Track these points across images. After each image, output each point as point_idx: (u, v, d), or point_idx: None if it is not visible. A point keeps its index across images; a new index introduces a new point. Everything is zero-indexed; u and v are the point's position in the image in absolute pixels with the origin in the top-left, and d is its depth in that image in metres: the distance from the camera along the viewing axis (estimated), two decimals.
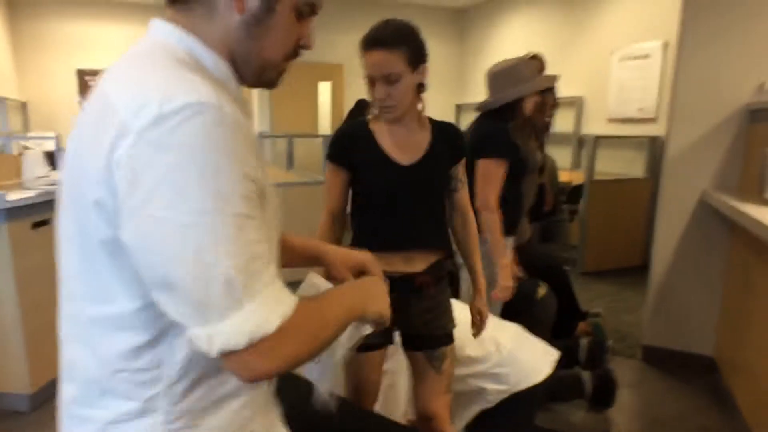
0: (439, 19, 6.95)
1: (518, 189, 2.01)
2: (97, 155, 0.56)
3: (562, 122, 5.40)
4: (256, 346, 0.58)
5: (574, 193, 4.46)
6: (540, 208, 3.42)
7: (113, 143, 0.55)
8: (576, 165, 5.19)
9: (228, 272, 0.56)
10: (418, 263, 1.36)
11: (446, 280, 1.44)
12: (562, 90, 5.39)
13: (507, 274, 1.84)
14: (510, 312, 2.33)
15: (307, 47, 0.75)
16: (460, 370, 1.64)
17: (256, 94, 5.96)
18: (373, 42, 1.22)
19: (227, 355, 0.58)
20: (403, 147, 1.32)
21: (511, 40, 6.16)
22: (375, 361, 1.41)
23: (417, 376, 1.44)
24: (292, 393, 1.15)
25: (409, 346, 1.43)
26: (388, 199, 1.34)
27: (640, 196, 4.35)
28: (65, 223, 0.66)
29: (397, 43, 1.19)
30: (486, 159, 1.85)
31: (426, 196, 1.36)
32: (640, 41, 4.53)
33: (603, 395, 2.20)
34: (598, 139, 4.16)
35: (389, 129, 1.32)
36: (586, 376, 2.17)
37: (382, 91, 1.23)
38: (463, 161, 1.42)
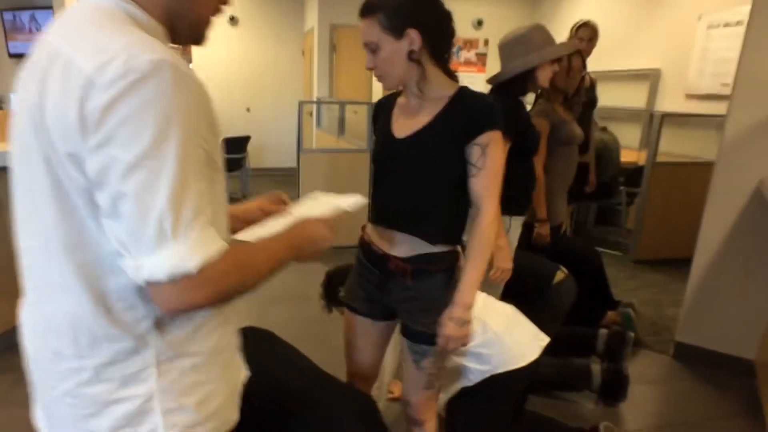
0: None
1: (526, 167, 1.91)
2: (66, 111, 0.62)
3: (633, 97, 4.99)
4: (176, 282, 0.65)
5: (635, 175, 4.15)
6: (581, 189, 3.24)
7: (82, 98, 0.61)
8: (646, 145, 4.79)
9: (162, 212, 0.62)
10: (402, 248, 1.27)
11: (441, 277, 1.27)
12: (636, 61, 4.99)
13: (505, 256, 1.78)
14: (521, 293, 2.27)
15: (227, 2, 0.81)
16: None
17: (316, 60, 6.04)
18: (359, 11, 1.19)
19: (151, 286, 0.66)
20: (406, 120, 1.25)
21: (586, 4, 5.70)
22: (358, 327, 1.43)
23: (403, 360, 1.42)
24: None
25: (401, 327, 1.38)
26: (378, 171, 1.32)
27: (708, 182, 3.95)
28: (29, 178, 0.72)
29: (372, 11, 1.14)
30: None
31: (417, 175, 1.23)
32: (734, 6, 4.02)
33: (612, 390, 2.11)
34: (665, 117, 3.79)
35: (405, 101, 1.28)
36: (596, 368, 2.09)
37: (369, 61, 1.20)
38: (484, 141, 1.17)
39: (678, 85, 4.54)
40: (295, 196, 3.98)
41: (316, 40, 6.00)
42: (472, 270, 1.22)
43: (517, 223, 1.94)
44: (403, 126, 1.26)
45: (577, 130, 2.39)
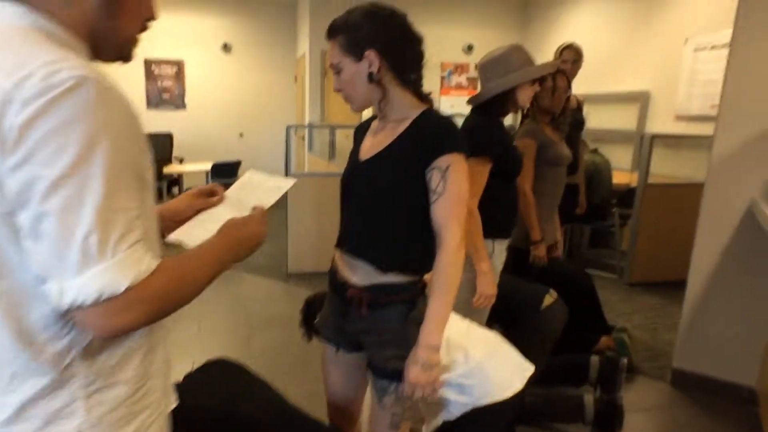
0: (501, 7, 6.66)
1: (509, 189, 1.86)
2: None
3: (623, 119, 5.00)
4: (103, 304, 0.61)
5: (628, 196, 4.11)
6: (572, 210, 3.19)
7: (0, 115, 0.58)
8: (637, 166, 4.77)
9: (87, 232, 0.59)
10: (359, 275, 1.22)
11: (398, 309, 1.20)
12: (626, 84, 5.02)
13: (488, 281, 1.72)
14: (508, 318, 2.20)
15: (154, 18, 0.79)
16: None
17: (307, 85, 6.07)
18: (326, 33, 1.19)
19: (76, 310, 0.62)
20: (374, 142, 1.23)
21: (575, 28, 5.77)
22: (330, 356, 1.37)
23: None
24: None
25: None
26: (342, 193, 1.29)
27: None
28: None
29: (334, 33, 1.14)
30: (468, 157, 1.73)
31: (373, 198, 1.19)
32: (720, 29, 4.05)
33: (607, 422, 2.02)
34: (655, 139, 3.78)
35: (377, 124, 1.27)
36: (588, 399, 2.00)
37: (335, 82, 1.19)
38: (443, 164, 1.11)
39: (667, 107, 4.54)
40: (284, 218, 3.96)
41: (307, 65, 6.04)
42: (436, 307, 1.13)
43: (501, 247, 1.88)
44: (368, 148, 1.24)
45: (565, 151, 2.36)
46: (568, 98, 2.57)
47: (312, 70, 5.98)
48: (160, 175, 4.85)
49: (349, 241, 1.25)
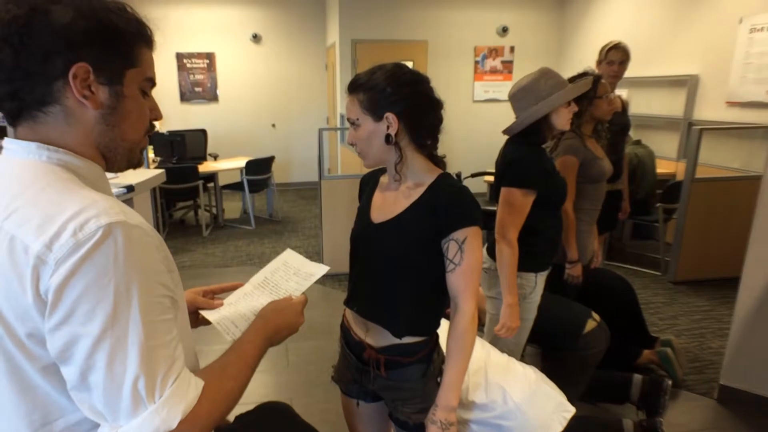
0: None
1: (554, 218, 1.80)
2: (21, 294, 0.61)
3: (669, 105, 4.74)
4: None
5: (673, 190, 3.92)
6: (614, 216, 3.07)
7: (35, 279, 0.60)
8: (684, 155, 4.54)
9: (135, 378, 0.63)
10: (374, 336, 1.23)
11: (416, 368, 1.21)
12: (672, 67, 4.73)
13: (513, 314, 1.69)
14: (548, 341, 2.15)
15: (158, 118, 0.80)
16: (463, 414, 1.55)
17: (338, 74, 6.00)
18: (347, 86, 1.19)
19: None
20: (384, 203, 1.23)
21: (615, 6, 5.45)
22: (352, 409, 1.38)
23: None
24: None
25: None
26: (353, 252, 1.29)
27: (755, 196, 3.69)
28: None
29: (356, 89, 1.14)
30: (511, 187, 1.68)
31: (388, 265, 1.19)
32: None
33: None
34: (704, 132, 3.56)
35: (387, 182, 1.26)
36: (628, 424, 1.94)
37: (350, 135, 1.19)
38: (460, 236, 1.12)
39: (718, 92, 4.27)
40: (319, 220, 3.98)
41: (337, 55, 5.97)
42: (454, 371, 1.16)
43: (542, 279, 1.83)
44: (380, 209, 1.23)
45: (607, 166, 2.25)
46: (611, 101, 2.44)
47: (342, 60, 5.90)
48: (195, 176, 4.92)
49: (360, 303, 1.26)
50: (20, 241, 0.61)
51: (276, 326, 0.91)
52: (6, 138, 0.70)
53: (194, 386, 0.70)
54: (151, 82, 0.77)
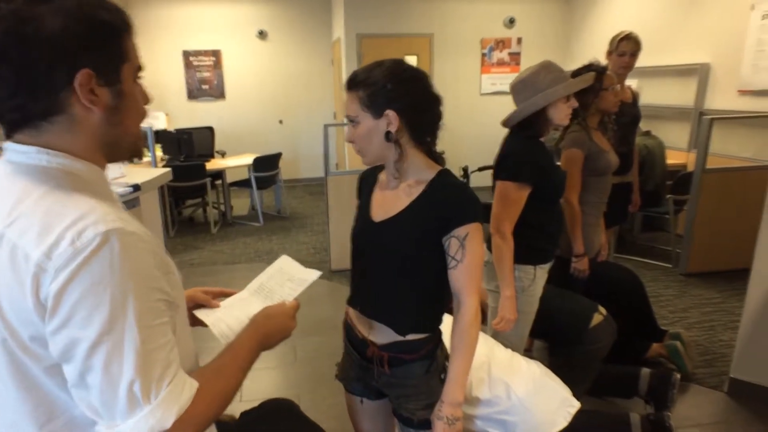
0: None
1: (552, 211, 1.79)
2: (23, 300, 0.63)
3: (680, 94, 4.66)
4: None
5: (683, 181, 3.87)
6: (624, 208, 3.04)
7: (36, 286, 0.62)
8: (695, 145, 4.47)
9: (131, 380, 0.65)
10: (378, 334, 1.24)
11: (419, 364, 1.22)
12: (683, 56, 4.64)
13: (510, 306, 1.69)
14: (554, 335, 2.14)
15: (149, 101, 0.80)
16: (466, 410, 1.55)
17: (344, 69, 5.99)
18: (345, 83, 1.18)
19: None
20: (384, 201, 1.22)
21: None
22: (356, 406, 1.39)
23: None
24: None
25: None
26: (354, 251, 1.29)
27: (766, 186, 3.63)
28: None
29: (355, 86, 1.13)
30: (505, 181, 1.67)
31: (390, 263, 1.19)
32: None
33: None
34: (714, 121, 3.50)
35: (386, 179, 1.25)
36: (635, 418, 1.93)
37: (349, 133, 1.18)
38: (462, 233, 1.12)
39: (730, 81, 4.20)
40: (325, 212, 3.97)
41: (343, 50, 5.95)
42: (459, 366, 1.17)
43: (542, 272, 1.82)
44: (380, 208, 1.22)
45: (613, 159, 2.22)
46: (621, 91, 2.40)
47: (348, 55, 5.89)
48: (203, 173, 4.95)
49: (363, 301, 1.26)
50: (21, 249, 0.63)
51: (268, 331, 0.93)
52: (5, 142, 0.70)
53: (188, 388, 0.71)
54: (140, 69, 0.76)
